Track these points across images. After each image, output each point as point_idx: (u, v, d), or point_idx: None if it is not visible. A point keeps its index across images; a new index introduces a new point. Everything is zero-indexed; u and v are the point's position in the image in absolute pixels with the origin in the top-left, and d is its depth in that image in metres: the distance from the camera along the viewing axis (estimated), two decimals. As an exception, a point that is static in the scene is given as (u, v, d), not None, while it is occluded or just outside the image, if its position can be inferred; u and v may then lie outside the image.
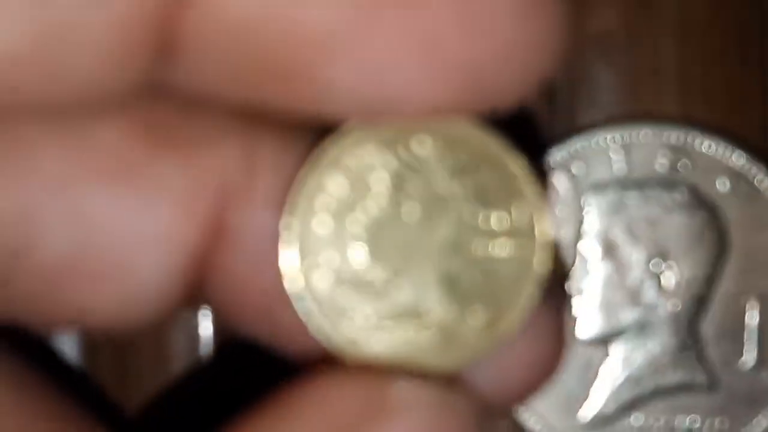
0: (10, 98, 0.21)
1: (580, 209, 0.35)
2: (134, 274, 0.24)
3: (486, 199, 0.24)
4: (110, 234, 0.24)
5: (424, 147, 0.23)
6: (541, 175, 0.30)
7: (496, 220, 0.24)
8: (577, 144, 0.35)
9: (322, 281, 0.24)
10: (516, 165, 0.23)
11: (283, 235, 0.23)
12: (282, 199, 0.24)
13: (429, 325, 0.24)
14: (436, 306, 0.24)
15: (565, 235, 0.35)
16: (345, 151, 0.23)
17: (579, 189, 0.35)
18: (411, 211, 0.24)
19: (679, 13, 0.36)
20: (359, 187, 0.24)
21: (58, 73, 0.21)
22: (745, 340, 0.35)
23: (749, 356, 0.35)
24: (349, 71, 0.21)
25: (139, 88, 0.22)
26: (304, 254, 0.23)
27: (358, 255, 0.24)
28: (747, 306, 0.35)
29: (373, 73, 0.21)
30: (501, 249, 0.24)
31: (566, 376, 0.35)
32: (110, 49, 0.20)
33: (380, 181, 0.24)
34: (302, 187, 0.23)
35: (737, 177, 0.35)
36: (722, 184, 0.35)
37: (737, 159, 0.35)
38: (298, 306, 0.24)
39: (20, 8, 0.19)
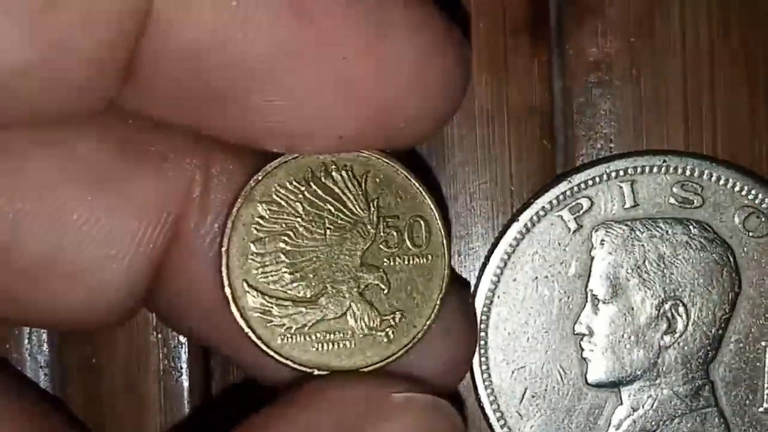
0: (14, 107, 0.24)
1: (589, 246, 0.33)
2: (103, 273, 0.27)
3: (393, 220, 0.28)
4: (84, 236, 0.27)
5: (336, 178, 0.28)
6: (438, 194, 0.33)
7: (402, 237, 0.29)
8: (580, 177, 0.34)
9: (252, 298, 0.28)
10: (416, 188, 0.28)
11: (222, 258, 0.28)
12: (229, 211, 0.28)
13: (352, 333, 0.28)
14: (358, 317, 0.28)
15: (573, 273, 0.33)
16: (271, 186, 0.28)
17: (586, 225, 0.34)
18: (328, 234, 0.28)
19: (683, 40, 0.34)
20: (284, 216, 0.28)
21: (54, 86, 0.24)
22: (760, 384, 0.34)
23: (766, 400, 0.33)
24: (275, 99, 0.25)
25: (108, 103, 0.25)
26: (238, 274, 0.28)
27: (285, 275, 0.28)
28: (764, 346, 0.33)
29: (295, 102, 0.25)
30: (408, 261, 0.29)
31: (574, 421, 0.33)
32: (96, 65, 0.24)
33: (300, 211, 0.28)
34: (237, 217, 0.28)
35: (749, 211, 0.34)
36: (734, 219, 0.34)
37: (748, 192, 0.33)
38: (234, 317, 0.28)
39: (27, 26, 0.22)
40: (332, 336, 0.28)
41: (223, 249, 0.28)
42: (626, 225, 0.33)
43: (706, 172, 0.34)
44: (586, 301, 0.33)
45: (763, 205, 0.34)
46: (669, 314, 0.33)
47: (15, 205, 0.26)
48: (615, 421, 0.34)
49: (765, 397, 0.34)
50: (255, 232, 0.28)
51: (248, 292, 0.28)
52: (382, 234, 0.29)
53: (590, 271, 0.33)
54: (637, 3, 0.34)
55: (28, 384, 0.33)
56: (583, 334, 0.33)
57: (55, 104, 0.24)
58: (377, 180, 0.28)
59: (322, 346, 0.28)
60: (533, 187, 0.34)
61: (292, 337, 0.28)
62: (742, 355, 0.34)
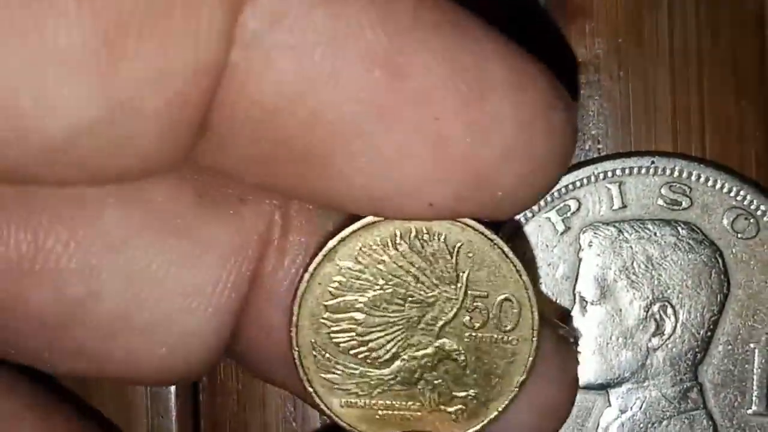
0: (81, 168, 0.23)
1: (577, 248, 0.33)
2: (183, 326, 0.26)
3: (481, 297, 0.26)
4: (162, 287, 0.26)
5: (426, 246, 0.26)
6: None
7: (488, 315, 0.27)
8: (568, 178, 0.33)
9: (319, 360, 0.26)
10: (511, 266, 0.26)
11: (293, 316, 0.26)
12: (309, 254, 0.26)
13: (420, 406, 0.27)
14: (427, 390, 0.27)
15: (561, 275, 0.33)
16: (354, 246, 0.26)
17: (574, 227, 0.33)
18: (408, 304, 0.26)
19: (671, 41, 0.34)
20: (363, 280, 0.26)
21: (121, 146, 0.22)
22: (749, 386, 0.33)
23: (754, 402, 0.33)
24: (361, 160, 0.23)
25: (183, 161, 0.24)
26: (306, 334, 0.26)
27: (356, 341, 0.27)
28: (752, 348, 0.33)
29: (383, 164, 0.23)
30: (491, 342, 0.27)
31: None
32: (168, 123, 0.22)
33: (382, 276, 0.26)
34: (314, 276, 0.26)
35: (737, 212, 0.33)
36: (722, 221, 0.33)
37: (737, 194, 0.33)
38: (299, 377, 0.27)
39: (93, 83, 0.21)
40: (397, 412, 0.27)
41: (295, 307, 0.26)
42: (614, 226, 0.33)
43: (694, 173, 0.33)
44: (574, 303, 0.33)
45: (752, 207, 0.33)
46: (657, 316, 0.33)
47: (91, 260, 0.25)
48: (603, 423, 0.34)
49: (754, 399, 0.33)
50: (330, 293, 0.26)
51: (315, 354, 0.27)
52: (467, 311, 0.27)
53: (578, 272, 0.33)
54: (626, 4, 0.34)
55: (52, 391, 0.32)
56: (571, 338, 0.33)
57: (124, 164, 0.23)
58: (470, 253, 0.26)
59: (386, 420, 0.27)
60: (521, 189, 0.34)
61: (354, 407, 0.27)
62: (730, 357, 0.34)
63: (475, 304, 0.27)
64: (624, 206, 0.33)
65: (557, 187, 0.33)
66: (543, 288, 0.33)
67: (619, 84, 0.34)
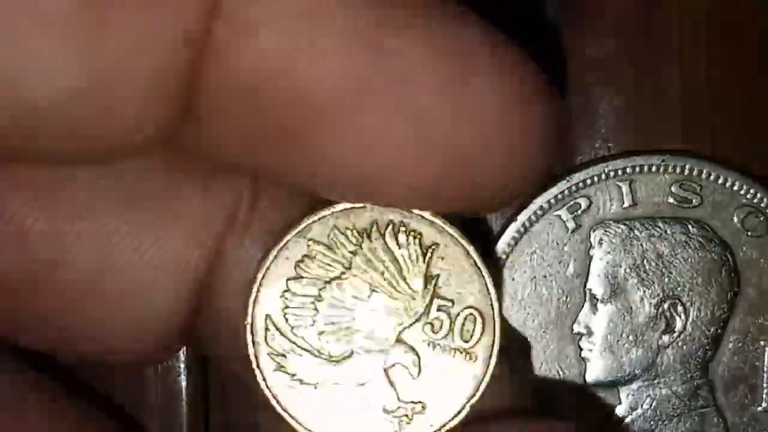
0: (61, 139, 0.22)
1: (587, 246, 0.33)
2: (148, 296, 0.26)
3: (447, 305, 0.26)
4: (129, 256, 0.25)
5: (401, 241, 0.26)
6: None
7: (451, 326, 0.26)
8: (579, 176, 0.34)
9: (270, 337, 0.26)
10: (483, 280, 0.26)
11: (253, 286, 0.25)
12: (276, 233, 0.26)
13: (365, 408, 0.26)
14: (374, 394, 0.26)
15: (571, 272, 0.33)
16: (328, 228, 0.26)
17: (584, 225, 0.34)
18: (373, 297, 0.26)
19: (681, 39, 0.34)
20: (333, 264, 0.26)
21: (106, 117, 0.22)
22: (759, 384, 0.33)
23: (765, 399, 0.33)
24: (343, 140, 0.23)
25: (166, 138, 0.23)
26: (264, 308, 0.25)
27: (314, 326, 0.26)
28: (762, 345, 0.33)
29: (365, 144, 0.23)
30: (448, 353, 0.26)
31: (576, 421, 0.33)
32: (150, 94, 0.22)
33: (352, 263, 0.26)
34: (283, 249, 0.26)
35: (748, 210, 0.33)
36: (733, 218, 0.33)
37: (747, 191, 0.33)
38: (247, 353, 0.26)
39: (77, 49, 0.21)
40: (339, 404, 0.26)
41: (259, 276, 0.26)
42: (625, 224, 0.33)
43: (704, 171, 0.33)
44: (585, 301, 0.33)
45: (762, 205, 0.33)
46: (667, 314, 0.33)
47: (58, 225, 0.25)
48: (614, 420, 0.34)
49: (764, 396, 0.33)
50: (297, 270, 0.26)
51: (268, 329, 0.26)
52: (430, 316, 0.26)
53: (588, 270, 0.33)
54: (637, 3, 0.34)
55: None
56: (582, 334, 0.33)
57: (105, 138, 0.23)
58: (443, 256, 0.26)
59: (326, 410, 0.26)
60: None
61: (297, 390, 0.26)
62: (741, 355, 0.34)
63: (438, 311, 0.26)
64: (634, 204, 0.33)
65: (568, 184, 0.33)
66: (553, 286, 0.33)
67: (630, 82, 0.34)
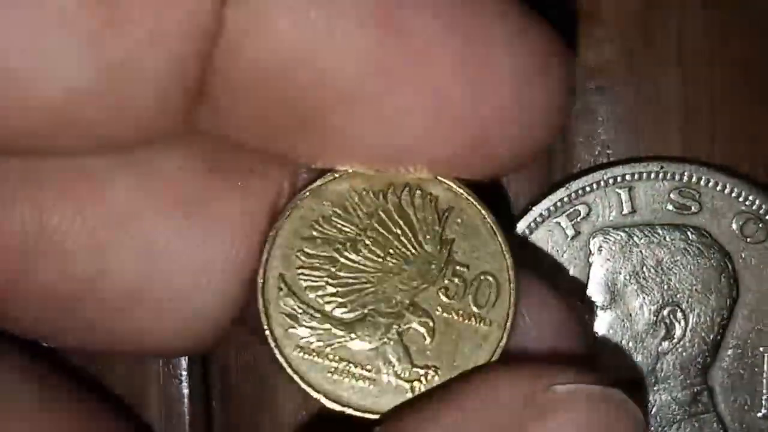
0: (78, 134, 0.22)
1: (587, 253, 0.33)
2: (194, 302, 0.25)
3: (462, 269, 0.25)
4: (173, 262, 0.25)
5: (417, 204, 0.25)
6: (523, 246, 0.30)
7: (465, 290, 0.25)
8: (578, 184, 0.34)
9: (283, 296, 0.25)
10: (498, 244, 0.25)
11: (266, 244, 0.25)
12: (291, 200, 0.25)
13: (376, 373, 0.25)
14: (387, 359, 0.25)
15: (571, 280, 0.34)
16: (344, 188, 0.25)
17: (584, 231, 0.34)
18: (387, 259, 0.25)
19: (680, 45, 0.34)
20: (348, 224, 0.25)
21: (120, 109, 0.22)
22: (759, 390, 0.34)
23: (764, 405, 0.34)
24: (364, 122, 0.23)
25: (183, 126, 0.23)
26: (276, 265, 0.25)
27: (327, 286, 0.25)
28: (762, 352, 0.34)
29: (385, 124, 0.23)
30: (463, 319, 0.25)
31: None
32: (165, 85, 0.22)
33: (367, 225, 0.25)
34: (297, 208, 0.25)
35: (747, 217, 0.34)
36: (732, 225, 0.34)
37: (746, 198, 0.34)
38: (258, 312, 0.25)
39: (89, 44, 0.21)
40: (351, 368, 0.25)
41: (271, 234, 0.25)
42: (624, 231, 0.33)
43: (703, 178, 0.34)
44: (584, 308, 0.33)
45: (761, 211, 0.34)
46: (667, 320, 0.33)
47: (99, 237, 0.25)
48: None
49: (764, 402, 0.34)
50: (310, 229, 0.25)
51: (281, 289, 0.25)
52: (445, 280, 0.25)
53: (588, 277, 0.33)
54: (636, 9, 0.34)
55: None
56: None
57: (123, 129, 0.23)
58: (459, 221, 0.26)
59: (337, 375, 0.25)
60: (531, 194, 0.34)
61: (309, 353, 0.25)
62: (740, 361, 0.34)
63: (453, 275, 0.25)
64: (634, 211, 0.34)
65: (567, 191, 0.33)
66: (553, 293, 0.34)
67: (629, 89, 0.34)
